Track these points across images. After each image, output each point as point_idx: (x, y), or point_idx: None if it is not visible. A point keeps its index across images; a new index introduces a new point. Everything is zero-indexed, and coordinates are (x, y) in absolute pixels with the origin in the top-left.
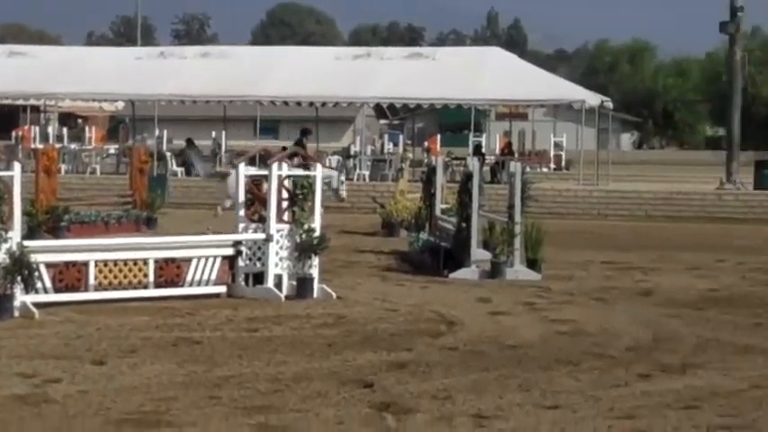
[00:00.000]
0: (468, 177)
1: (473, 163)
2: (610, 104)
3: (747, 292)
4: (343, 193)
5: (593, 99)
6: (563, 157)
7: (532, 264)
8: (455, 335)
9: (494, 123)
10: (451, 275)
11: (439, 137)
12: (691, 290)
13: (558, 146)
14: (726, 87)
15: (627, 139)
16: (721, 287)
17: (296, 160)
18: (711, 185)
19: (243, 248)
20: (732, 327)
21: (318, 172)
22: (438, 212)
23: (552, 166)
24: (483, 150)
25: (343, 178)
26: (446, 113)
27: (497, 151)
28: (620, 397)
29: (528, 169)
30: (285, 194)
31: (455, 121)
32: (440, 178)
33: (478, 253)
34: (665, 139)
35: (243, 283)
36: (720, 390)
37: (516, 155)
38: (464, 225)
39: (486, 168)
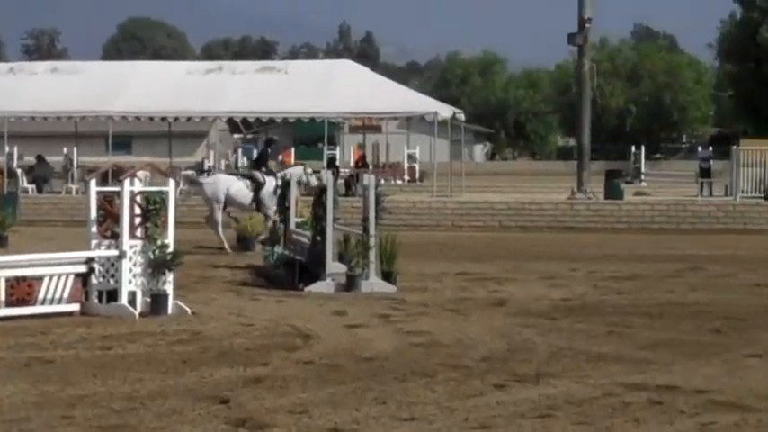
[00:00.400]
0: (322, 191)
1: (327, 176)
2: (462, 116)
3: (600, 300)
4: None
5: (445, 111)
6: (417, 169)
7: (387, 276)
8: (311, 348)
9: (348, 136)
10: (307, 289)
11: (293, 150)
12: (544, 299)
13: (411, 158)
14: (575, 98)
15: (480, 150)
16: (574, 296)
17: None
18: (563, 195)
19: (96, 265)
20: (585, 335)
21: (172, 187)
22: (293, 226)
23: (406, 178)
24: (337, 163)
25: (310, 170)
26: (299, 127)
27: (351, 164)
28: (476, 407)
29: (382, 182)
30: (138, 210)
31: (309, 135)
32: (294, 192)
33: (334, 266)
34: (518, 150)
35: (96, 300)
36: (574, 398)
37: (370, 167)
38: (319, 238)
39: (341, 181)
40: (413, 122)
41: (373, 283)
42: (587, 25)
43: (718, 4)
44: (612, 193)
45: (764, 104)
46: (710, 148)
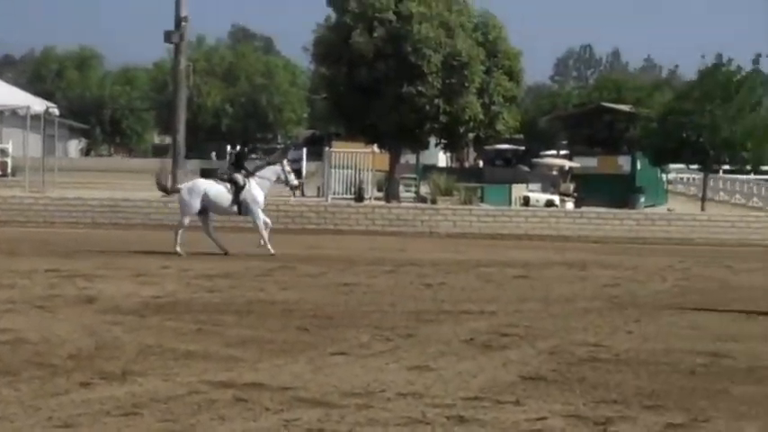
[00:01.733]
0: None
1: None
2: (56, 111)
3: (190, 298)
4: (294, 182)
5: (38, 105)
6: (9, 163)
7: None
8: None
9: None
10: None
11: None
12: (135, 296)
13: (3, 152)
14: (171, 96)
15: (75, 145)
16: (165, 294)
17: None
18: (159, 193)
19: None
20: (174, 333)
21: None
22: None
23: None
24: None
25: (288, 168)
26: None
27: None
28: (60, 406)
29: None
30: None
31: None
32: None
33: None
34: (114, 147)
35: None
36: (160, 396)
37: None
38: None
39: None
40: (5, 116)
41: None
42: (184, 23)
43: (313, 9)
44: None
45: (355, 108)
46: (304, 150)
